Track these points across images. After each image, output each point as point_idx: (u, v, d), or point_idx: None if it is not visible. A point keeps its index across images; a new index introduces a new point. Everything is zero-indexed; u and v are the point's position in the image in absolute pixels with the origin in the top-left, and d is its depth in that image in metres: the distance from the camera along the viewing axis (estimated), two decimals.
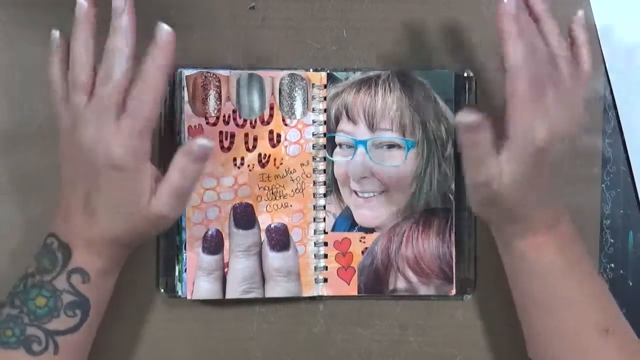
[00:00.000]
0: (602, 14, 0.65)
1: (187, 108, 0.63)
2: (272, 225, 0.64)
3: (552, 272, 0.56)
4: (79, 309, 0.56)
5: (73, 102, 0.54)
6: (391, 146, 0.64)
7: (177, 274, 0.64)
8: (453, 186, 0.64)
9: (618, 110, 0.65)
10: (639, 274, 0.65)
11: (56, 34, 0.56)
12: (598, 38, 0.65)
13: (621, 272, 0.65)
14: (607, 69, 0.65)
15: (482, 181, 0.54)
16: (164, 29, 0.52)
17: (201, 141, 0.53)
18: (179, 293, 0.64)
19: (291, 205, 0.64)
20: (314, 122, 0.64)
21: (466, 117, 0.51)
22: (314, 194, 0.64)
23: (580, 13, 0.57)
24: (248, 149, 0.64)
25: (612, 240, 0.65)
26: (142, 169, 0.53)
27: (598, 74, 0.65)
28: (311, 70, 0.64)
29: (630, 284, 0.65)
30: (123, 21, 0.52)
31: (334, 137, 0.64)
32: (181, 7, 0.65)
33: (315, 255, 0.64)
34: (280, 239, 0.64)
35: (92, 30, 0.54)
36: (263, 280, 0.64)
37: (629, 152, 0.65)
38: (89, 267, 0.56)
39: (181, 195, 0.55)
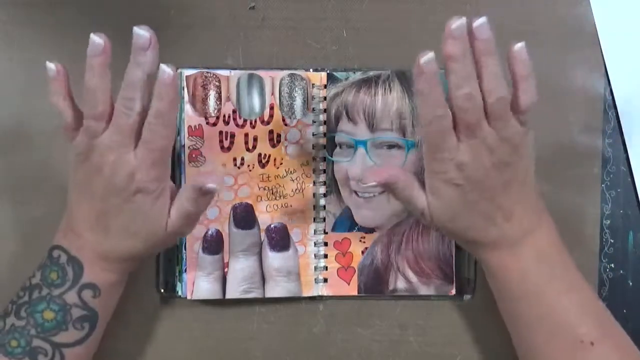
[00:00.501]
0: (602, 14, 0.65)
1: (187, 108, 0.63)
2: (272, 225, 0.64)
3: (524, 291, 0.55)
4: (88, 322, 0.56)
5: (90, 130, 0.54)
6: (391, 146, 0.64)
7: (177, 274, 0.64)
8: None
9: (618, 110, 0.65)
10: (639, 274, 0.65)
11: (51, 65, 0.55)
12: (598, 38, 0.65)
13: (621, 272, 0.65)
14: (607, 69, 0.65)
15: (417, 216, 0.57)
16: (165, 71, 0.52)
17: (210, 185, 0.54)
18: (179, 293, 0.64)
19: (291, 205, 0.64)
20: (314, 122, 0.64)
21: (371, 180, 0.56)
22: (314, 194, 0.64)
23: (518, 46, 0.53)
24: (248, 149, 0.64)
25: (612, 240, 0.65)
26: (163, 191, 0.55)
27: (598, 74, 0.65)
28: (311, 70, 0.64)
29: (630, 284, 0.65)
30: (148, 57, 0.52)
31: (334, 137, 0.64)
32: (181, 7, 0.65)
33: (315, 255, 0.64)
34: (280, 239, 0.64)
35: (108, 62, 0.53)
36: (263, 280, 0.64)
37: (629, 152, 0.65)
38: (100, 281, 0.56)
39: (194, 217, 0.57)
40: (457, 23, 0.51)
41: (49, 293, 0.55)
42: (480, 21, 0.52)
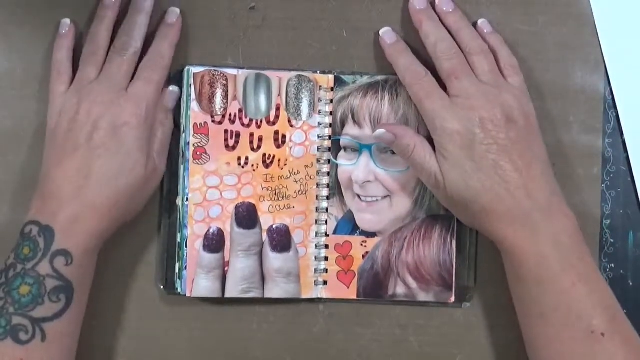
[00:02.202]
0: (602, 14, 0.65)
1: (193, 105, 0.63)
2: (273, 226, 0.64)
3: (539, 276, 0.56)
4: (63, 293, 0.56)
5: (83, 76, 0.60)
6: None
7: (177, 271, 0.64)
8: None
9: (618, 110, 0.65)
10: (639, 274, 0.65)
11: (67, 20, 0.63)
12: (598, 38, 0.65)
13: (621, 272, 0.65)
14: (607, 69, 0.65)
15: (431, 184, 0.60)
16: (174, 12, 0.63)
17: (173, 88, 0.63)
18: (179, 290, 0.63)
19: (294, 207, 0.64)
20: (319, 124, 0.64)
21: (379, 132, 0.61)
22: (317, 196, 0.64)
23: (481, 21, 0.63)
24: (253, 149, 0.64)
25: (612, 240, 0.65)
26: (147, 130, 0.60)
27: (598, 74, 0.65)
28: (318, 72, 0.64)
29: (630, 284, 0.65)
30: (148, 3, 0.62)
31: (339, 140, 0.64)
32: (181, 7, 0.65)
33: (315, 258, 0.64)
34: (282, 240, 0.64)
35: (115, 17, 0.62)
36: (263, 280, 0.64)
37: (629, 152, 0.65)
38: (73, 246, 0.56)
39: (165, 145, 0.63)
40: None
41: (23, 268, 0.55)
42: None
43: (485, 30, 0.63)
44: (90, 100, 0.59)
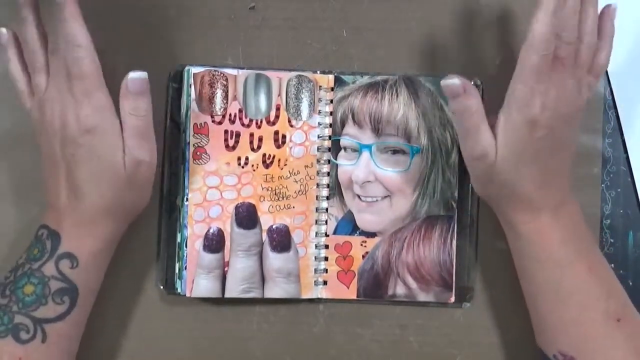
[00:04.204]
0: None
1: (193, 105, 0.63)
2: (273, 226, 0.64)
3: (559, 259, 0.57)
4: (67, 295, 0.56)
5: (35, 85, 0.58)
6: (396, 151, 0.64)
7: (177, 271, 0.64)
8: (456, 194, 0.64)
9: (618, 110, 0.65)
10: (639, 274, 0.65)
11: (3, 30, 0.59)
12: None
13: (621, 272, 0.65)
14: (607, 69, 0.65)
15: (477, 154, 0.57)
16: None
17: (132, 74, 0.56)
18: (179, 290, 0.63)
19: (294, 207, 0.64)
20: (319, 124, 0.64)
21: (451, 80, 0.55)
22: (317, 196, 0.64)
23: (614, 6, 0.58)
24: (253, 149, 0.64)
25: (612, 240, 0.65)
26: (112, 125, 0.56)
27: None
28: (318, 72, 0.64)
29: (630, 284, 0.65)
30: None
31: (339, 140, 0.64)
32: (181, 7, 0.65)
33: (315, 258, 0.64)
34: (282, 240, 0.64)
35: (38, 12, 0.57)
36: (263, 280, 0.64)
37: (629, 152, 0.65)
38: (78, 250, 0.56)
39: (144, 134, 0.57)
40: None
41: (30, 267, 0.56)
42: None
43: (609, 17, 0.58)
44: (49, 112, 0.56)
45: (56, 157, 0.57)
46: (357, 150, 0.64)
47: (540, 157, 0.56)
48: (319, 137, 0.64)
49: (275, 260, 0.64)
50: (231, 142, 0.63)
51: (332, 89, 0.64)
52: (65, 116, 0.55)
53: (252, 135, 0.64)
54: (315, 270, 0.64)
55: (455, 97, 0.56)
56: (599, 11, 0.57)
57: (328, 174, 0.64)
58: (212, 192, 0.63)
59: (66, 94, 0.55)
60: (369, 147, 0.64)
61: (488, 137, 0.56)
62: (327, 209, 0.65)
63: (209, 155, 0.63)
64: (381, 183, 0.64)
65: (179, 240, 0.64)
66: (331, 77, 0.64)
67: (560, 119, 0.55)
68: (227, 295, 0.63)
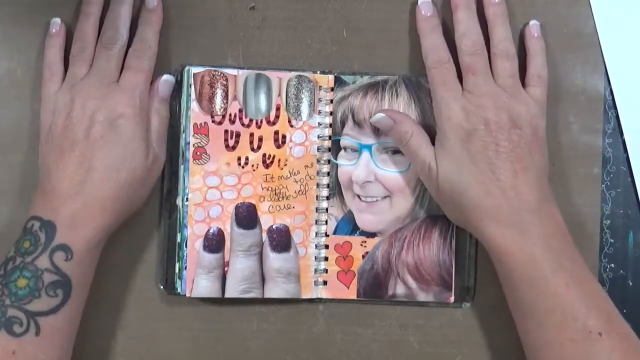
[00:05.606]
0: (602, 14, 0.65)
1: (193, 105, 0.63)
2: (273, 226, 0.64)
3: (530, 279, 0.56)
4: (61, 288, 0.56)
5: (73, 74, 0.61)
6: (396, 151, 0.64)
7: (177, 271, 0.64)
8: None
9: (618, 110, 0.65)
10: (639, 274, 0.65)
11: (58, 20, 0.63)
12: (598, 38, 0.65)
13: (621, 272, 0.65)
14: (607, 69, 0.65)
15: (423, 170, 0.60)
16: None
17: (167, 77, 0.63)
18: (179, 290, 0.63)
19: (294, 207, 0.64)
20: (319, 124, 0.64)
21: (377, 117, 0.62)
22: (317, 197, 0.64)
23: (532, 23, 0.63)
24: (253, 149, 0.64)
25: (612, 240, 0.65)
26: (144, 118, 0.60)
27: (598, 74, 0.65)
28: (318, 72, 0.64)
29: (630, 284, 0.65)
30: None
31: (339, 140, 0.64)
32: (181, 7, 0.65)
33: (315, 258, 0.64)
34: (282, 240, 0.64)
35: (100, 11, 0.62)
36: (263, 280, 0.64)
37: (629, 152, 0.65)
38: (73, 241, 0.56)
39: (163, 134, 0.63)
40: None
41: (22, 261, 0.56)
42: None
43: (530, 33, 0.63)
44: (83, 96, 0.59)
45: (74, 141, 0.58)
46: (357, 150, 0.64)
47: (483, 165, 0.57)
48: (319, 137, 0.64)
49: (275, 260, 0.64)
50: (231, 142, 0.63)
51: (332, 89, 0.64)
52: (102, 102, 0.59)
53: (252, 135, 0.64)
54: (315, 270, 0.64)
55: (389, 129, 0.61)
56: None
57: (328, 174, 0.64)
58: (212, 192, 0.63)
59: (110, 85, 0.60)
60: (369, 147, 0.64)
61: (430, 152, 0.60)
62: (327, 209, 0.65)
63: (209, 155, 0.63)
64: (381, 183, 0.64)
65: (179, 240, 0.64)
66: (331, 77, 0.64)
67: (495, 125, 0.58)
68: (227, 295, 0.63)
